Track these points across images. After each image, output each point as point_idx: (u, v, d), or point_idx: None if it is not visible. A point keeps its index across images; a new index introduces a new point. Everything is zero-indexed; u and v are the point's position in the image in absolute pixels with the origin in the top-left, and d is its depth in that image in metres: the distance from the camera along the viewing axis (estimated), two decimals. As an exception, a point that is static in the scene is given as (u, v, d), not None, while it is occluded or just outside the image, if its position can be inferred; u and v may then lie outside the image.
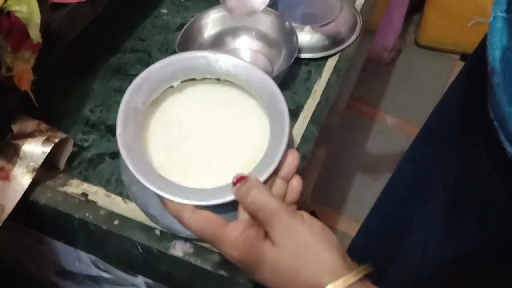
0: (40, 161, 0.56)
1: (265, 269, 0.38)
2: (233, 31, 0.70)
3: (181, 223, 0.42)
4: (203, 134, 0.51)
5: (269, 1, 0.62)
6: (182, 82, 0.52)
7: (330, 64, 0.70)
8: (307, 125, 0.62)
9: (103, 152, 0.63)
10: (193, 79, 0.52)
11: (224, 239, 0.39)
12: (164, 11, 0.79)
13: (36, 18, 0.58)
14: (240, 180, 0.41)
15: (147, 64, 0.71)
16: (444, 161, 0.65)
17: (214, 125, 0.52)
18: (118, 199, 0.58)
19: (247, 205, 0.40)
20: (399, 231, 0.78)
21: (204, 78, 0.53)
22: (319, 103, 0.65)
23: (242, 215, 0.41)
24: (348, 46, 0.71)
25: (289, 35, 0.65)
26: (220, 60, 0.51)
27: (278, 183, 0.43)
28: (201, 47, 0.69)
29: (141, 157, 0.46)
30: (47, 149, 0.56)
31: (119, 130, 0.46)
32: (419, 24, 1.89)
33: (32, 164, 0.56)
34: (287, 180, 0.43)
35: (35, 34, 0.58)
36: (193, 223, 0.40)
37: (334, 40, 0.70)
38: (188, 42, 0.68)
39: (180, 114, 0.52)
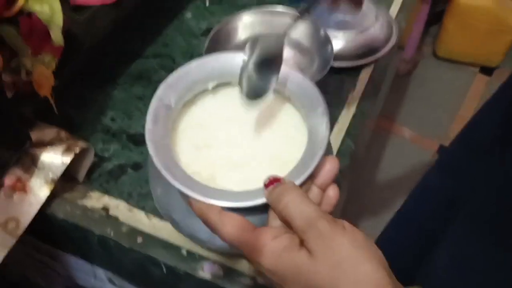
0: (59, 172, 0.52)
1: (298, 281, 0.34)
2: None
3: (206, 225, 0.38)
4: (235, 137, 0.47)
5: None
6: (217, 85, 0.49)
7: (365, 74, 0.66)
8: (343, 138, 0.59)
9: (124, 163, 0.59)
10: (229, 83, 0.49)
11: (253, 246, 0.35)
12: (189, 15, 0.75)
13: (59, 19, 0.55)
14: (273, 182, 0.37)
15: (170, 70, 0.67)
16: (485, 175, 0.60)
17: (247, 129, 0.48)
18: (141, 214, 0.54)
19: (280, 210, 0.36)
20: (421, 246, 0.74)
21: None
22: (354, 116, 0.61)
23: (273, 220, 0.37)
24: (383, 55, 0.67)
25: (323, 44, 0.61)
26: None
27: (314, 191, 0.39)
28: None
29: (168, 154, 0.43)
30: (68, 159, 0.52)
31: (148, 126, 0.43)
32: (438, 35, 1.86)
33: (50, 175, 0.52)
34: (323, 189, 0.39)
35: (57, 37, 0.54)
36: (219, 225, 0.37)
37: (369, 49, 0.66)
38: (216, 48, 0.64)
39: (213, 116, 0.49)
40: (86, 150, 0.55)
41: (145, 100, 0.65)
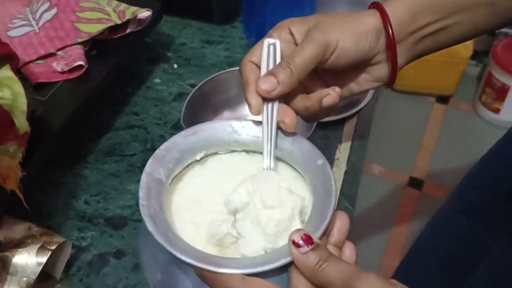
0: (35, 275, 0.46)
1: None
2: (240, 97, 0.63)
3: None
4: None
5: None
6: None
7: (349, 126, 0.64)
8: (339, 199, 0.55)
9: (105, 251, 0.53)
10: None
11: None
12: (157, 80, 0.72)
13: (22, 104, 0.50)
14: (306, 242, 0.33)
15: (144, 142, 0.64)
16: (490, 237, 0.57)
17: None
18: (131, 310, 0.48)
19: (316, 271, 0.33)
20: None
21: (232, 151, 0.46)
22: (346, 172, 0.59)
23: (298, 279, 0.34)
24: (365, 105, 0.66)
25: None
26: (247, 127, 0.45)
27: (331, 250, 0.36)
28: (207, 116, 0.62)
29: (168, 229, 0.38)
30: (43, 259, 0.46)
31: (142, 202, 0.39)
32: (393, 70, 1.90)
33: (25, 279, 0.46)
34: (339, 247, 0.37)
35: (22, 123, 0.49)
36: None
37: (349, 101, 0.65)
38: (194, 113, 0.61)
39: (205, 190, 0.45)
40: (63, 245, 0.49)
41: (121, 177, 0.60)
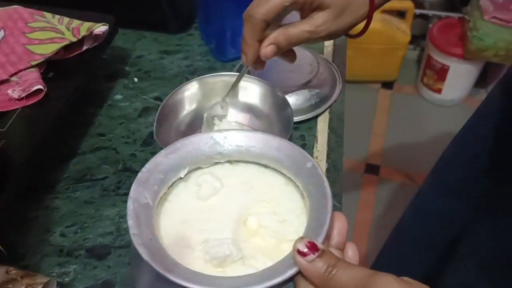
0: (22, 323, 0.42)
1: None
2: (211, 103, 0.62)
3: None
4: (226, 225, 0.42)
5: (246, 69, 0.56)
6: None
7: (322, 124, 0.64)
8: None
9: (91, 284, 0.50)
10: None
11: None
12: (119, 97, 0.69)
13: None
14: (311, 249, 0.33)
15: (115, 163, 0.61)
16: (471, 214, 0.59)
17: (233, 211, 0.43)
18: None
19: (326, 279, 0.32)
20: None
21: (215, 163, 0.45)
22: (328, 170, 0.58)
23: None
24: (335, 101, 0.66)
25: (282, 107, 0.58)
26: (228, 137, 0.44)
27: (334, 252, 0.35)
28: (180, 127, 0.60)
29: (165, 256, 0.36)
30: (29, 304, 0.43)
31: (133, 231, 0.37)
32: (338, 61, 1.94)
33: (11, 329, 0.42)
34: (341, 249, 0.37)
35: (-16, 159, 0.45)
36: None
37: (320, 98, 0.65)
38: (165, 125, 0.59)
39: (193, 207, 0.43)
40: (47, 284, 0.46)
41: (96, 203, 0.57)
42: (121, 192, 0.58)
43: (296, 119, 0.63)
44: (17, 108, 0.54)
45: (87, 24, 0.60)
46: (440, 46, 1.81)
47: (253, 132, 0.45)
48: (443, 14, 1.93)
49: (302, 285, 0.33)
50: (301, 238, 0.33)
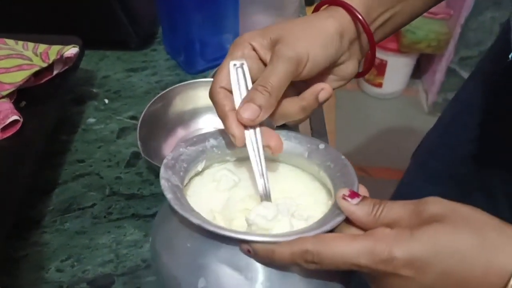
0: None
1: (442, 257, 0.29)
2: (195, 112, 0.62)
3: (298, 265, 0.33)
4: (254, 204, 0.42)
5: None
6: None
7: (304, 124, 0.65)
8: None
9: (101, 317, 0.48)
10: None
11: (373, 247, 0.30)
12: (92, 120, 0.66)
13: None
14: (355, 195, 0.33)
15: (101, 188, 0.59)
16: (459, 198, 0.60)
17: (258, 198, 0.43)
18: None
19: (378, 217, 0.32)
20: None
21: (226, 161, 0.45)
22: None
23: (350, 229, 0.34)
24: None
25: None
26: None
27: None
28: (165, 141, 0.59)
29: (212, 224, 0.35)
30: None
31: (174, 202, 0.35)
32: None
33: None
34: None
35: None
36: (329, 250, 0.31)
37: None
38: (149, 141, 0.57)
39: (217, 198, 0.43)
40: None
41: (88, 232, 0.54)
42: (113, 217, 0.56)
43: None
44: (-6, 142, 0.51)
45: (56, 48, 0.58)
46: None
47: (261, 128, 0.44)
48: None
49: (345, 230, 0.34)
50: (342, 188, 0.34)
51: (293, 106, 0.41)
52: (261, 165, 0.40)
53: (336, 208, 0.35)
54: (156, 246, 0.39)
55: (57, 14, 0.69)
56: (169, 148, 0.61)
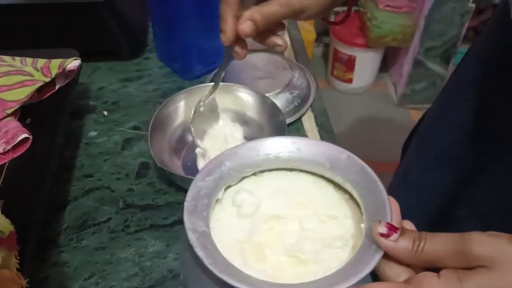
0: None
1: None
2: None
3: None
4: (273, 243, 0.42)
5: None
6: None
7: (308, 123, 0.66)
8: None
9: (135, 333, 0.47)
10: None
11: None
12: (93, 134, 0.64)
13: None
14: (393, 229, 0.33)
15: (114, 201, 0.57)
16: (462, 183, 0.61)
17: (282, 230, 0.43)
18: None
19: (420, 256, 0.32)
20: None
21: (242, 178, 0.44)
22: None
23: (394, 271, 0.33)
24: (314, 99, 0.68)
25: (274, 114, 0.58)
26: (265, 144, 0.43)
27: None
28: (171, 145, 0.59)
29: (246, 276, 0.35)
30: None
31: (208, 261, 0.34)
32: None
33: None
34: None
35: (1, 223, 0.40)
36: None
37: (301, 98, 0.66)
38: (161, 151, 0.57)
39: (240, 226, 0.42)
40: None
41: (108, 247, 0.53)
42: (131, 230, 0.55)
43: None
44: (4, 163, 0.49)
45: (57, 61, 0.56)
46: (344, 39, 1.92)
47: (275, 138, 0.44)
48: (340, 9, 2.06)
49: (387, 269, 0.34)
50: (379, 222, 0.34)
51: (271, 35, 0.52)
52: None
53: (370, 240, 0.34)
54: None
55: (45, 26, 0.67)
56: (180, 155, 0.61)
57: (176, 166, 0.59)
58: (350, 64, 1.97)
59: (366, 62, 1.98)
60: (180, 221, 0.55)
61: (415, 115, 2.01)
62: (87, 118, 0.66)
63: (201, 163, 0.57)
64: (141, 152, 0.62)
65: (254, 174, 0.45)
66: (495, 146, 0.56)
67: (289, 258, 0.40)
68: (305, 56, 0.75)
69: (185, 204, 0.39)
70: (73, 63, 0.56)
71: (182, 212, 0.55)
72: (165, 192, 0.58)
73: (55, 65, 0.55)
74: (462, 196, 0.61)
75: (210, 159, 0.42)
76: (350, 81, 2.04)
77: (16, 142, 0.49)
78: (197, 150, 0.58)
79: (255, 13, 0.49)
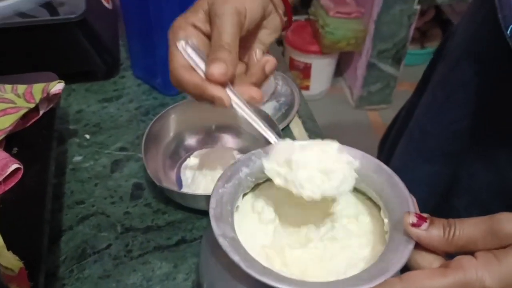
0: None
1: None
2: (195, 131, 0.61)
3: None
4: (290, 253, 0.41)
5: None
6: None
7: (296, 129, 0.66)
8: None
9: None
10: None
11: (463, 276, 0.31)
12: (78, 158, 0.61)
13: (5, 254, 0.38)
14: (422, 219, 0.33)
15: (112, 227, 0.55)
16: (456, 173, 0.63)
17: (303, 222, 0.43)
18: None
19: (456, 243, 0.33)
20: None
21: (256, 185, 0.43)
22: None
23: (426, 260, 0.34)
24: (300, 104, 0.68)
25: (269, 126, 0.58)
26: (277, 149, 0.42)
27: None
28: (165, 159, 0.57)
29: (285, 278, 0.35)
30: None
31: (245, 265, 0.34)
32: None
33: None
34: None
35: (10, 261, 0.38)
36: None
37: (288, 105, 0.66)
38: (157, 168, 0.55)
39: (262, 231, 0.42)
40: None
41: (113, 275, 0.50)
42: (135, 254, 0.52)
43: (275, 130, 0.63)
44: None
45: (39, 86, 0.53)
46: (298, 47, 1.95)
47: (285, 142, 0.43)
48: (295, 18, 2.09)
49: (419, 258, 0.34)
50: (408, 213, 0.34)
51: (244, 86, 0.42)
52: (256, 119, 0.42)
53: (398, 232, 0.35)
54: None
55: (16, 50, 0.64)
56: (174, 172, 0.59)
57: (171, 183, 0.58)
58: (306, 71, 2.00)
59: (322, 68, 2.02)
60: (184, 240, 0.54)
61: (373, 116, 2.07)
62: (69, 143, 0.63)
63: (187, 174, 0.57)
64: (132, 173, 0.60)
65: (268, 180, 0.44)
66: (491, 138, 0.57)
67: (314, 260, 0.40)
68: (283, 63, 0.76)
69: (210, 210, 0.38)
70: (57, 87, 0.53)
71: (184, 231, 0.54)
72: (164, 211, 0.56)
73: (37, 89, 0.53)
74: (459, 188, 0.62)
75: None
76: (307, 88, 2.07)
77: (7, 173, 0.46)
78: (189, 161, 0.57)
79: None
